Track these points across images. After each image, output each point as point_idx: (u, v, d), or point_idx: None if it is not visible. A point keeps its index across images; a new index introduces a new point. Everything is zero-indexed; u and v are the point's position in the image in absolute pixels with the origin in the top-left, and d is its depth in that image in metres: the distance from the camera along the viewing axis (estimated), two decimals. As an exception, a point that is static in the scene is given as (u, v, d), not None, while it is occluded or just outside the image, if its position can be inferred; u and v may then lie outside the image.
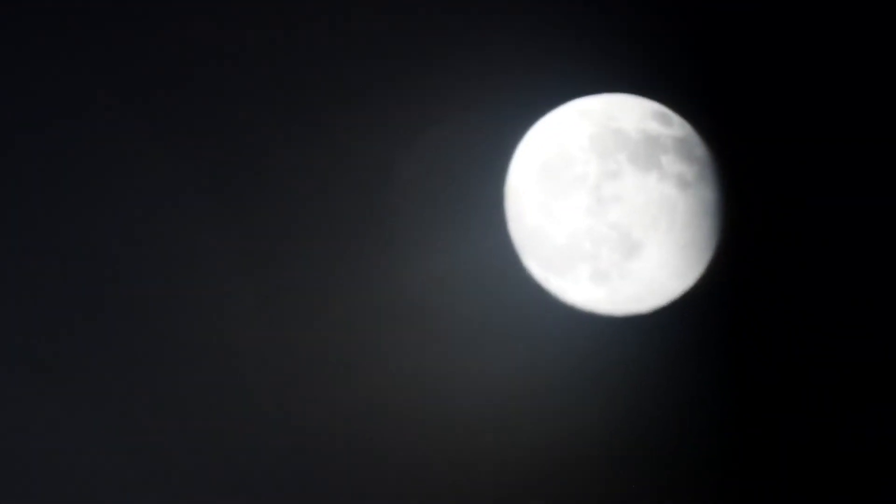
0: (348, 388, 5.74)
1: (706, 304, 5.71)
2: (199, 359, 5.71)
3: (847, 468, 5.83)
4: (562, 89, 5.57)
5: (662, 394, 5.82)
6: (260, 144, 5.74)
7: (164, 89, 5.70)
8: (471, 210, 5.71)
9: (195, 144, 5.73)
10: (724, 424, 5.84)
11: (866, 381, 5.83)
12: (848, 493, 5.82)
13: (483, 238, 5.69)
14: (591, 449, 5.81)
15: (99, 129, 5.71)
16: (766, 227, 5.79)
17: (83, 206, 5.70)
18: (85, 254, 5.69)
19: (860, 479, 5.84)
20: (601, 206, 5.29)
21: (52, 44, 5.70)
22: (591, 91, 5.56)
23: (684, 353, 5.81)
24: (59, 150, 5.69)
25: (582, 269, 5.38)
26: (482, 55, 5.70)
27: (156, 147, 5.72)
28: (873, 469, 5.83)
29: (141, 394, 5.69)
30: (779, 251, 5.81)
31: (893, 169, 5.78)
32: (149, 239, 5.71)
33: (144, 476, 5.69)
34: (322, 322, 5.75)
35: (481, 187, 5.67)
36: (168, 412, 5.70)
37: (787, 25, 5.75)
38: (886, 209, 5.79)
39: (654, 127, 5.44)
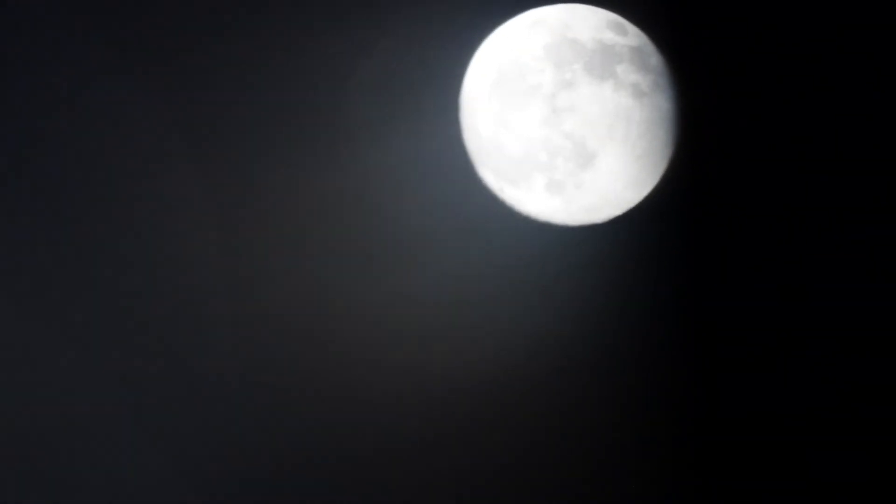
0: (304, 287, 5.76)
1: (661, 214, 5.73)
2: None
3: (794, 382, 5.91)
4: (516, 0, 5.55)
5: (617, 304, 5.86)
6: (217, 50, 5.70)
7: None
8: (425, 120, 5.70)
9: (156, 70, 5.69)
10: (677, 335, 5.89)
11: (814, 294, 5.88)
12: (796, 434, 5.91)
13: (438, 148, 5.68)
14: (545, 360, 5.86)
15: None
16: (720, 136, 5.80)
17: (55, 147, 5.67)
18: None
19: (804, 406, 5.92)
20: (556, 116, 5.28)
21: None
22: (547, 1, 5.54)
23: (639, 263, 5.85)
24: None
25: (537, 179, 5.38)
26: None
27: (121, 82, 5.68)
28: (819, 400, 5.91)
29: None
30: (733, 160, 5.82)
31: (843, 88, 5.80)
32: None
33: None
34: (278, 229, 5.75)
35: (436, 97, 5.64)
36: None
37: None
38: (837, 118, 5.81)
39: (610, 36, 5.42)
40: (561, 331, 5.83)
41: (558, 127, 5.28)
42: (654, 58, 5.49)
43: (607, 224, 5.65)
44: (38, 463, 5.65)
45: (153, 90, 5.69)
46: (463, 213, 5.74)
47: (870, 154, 5.79)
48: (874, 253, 5.83)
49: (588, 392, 5.89)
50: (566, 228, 5.65)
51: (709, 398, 5.89)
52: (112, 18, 5.64)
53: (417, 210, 5.75)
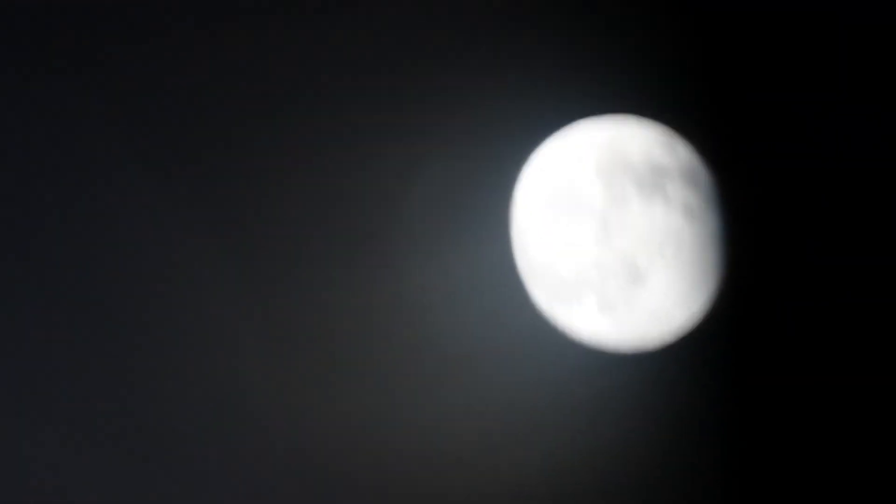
0: (348, 407, 5.69)
1: (712, 334, 5.66)
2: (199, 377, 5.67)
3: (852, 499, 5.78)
4: (565, 115, 5.55)
5: (668, 424, 5.77)
6: (264, 175, 5.73)
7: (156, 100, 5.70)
8: (476, 240, 5.68)
9: (191, 163, 5.71)
10: (730, 458, 5.78)
11: (875, 412, 5.78)
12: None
13: (488, 267, 5.65)
14: (594, 483, 5.75)
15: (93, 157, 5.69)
16: (772, 256, 5.75)
17: (82, 237, 5.67)
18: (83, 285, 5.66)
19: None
20: (607, 234, 5.25)
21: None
22: (596, 116, 5.55)
23: (690, 383, 5.76)
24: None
25: (588, 298, 5.34)
26: (483, 82, 5.70)
27: (143, 164, 5.70)
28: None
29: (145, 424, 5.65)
30: (785, 281, 5.77)
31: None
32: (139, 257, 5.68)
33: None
34: (324, 344, 5.71)
35: (486, 215, 5.64)
36: (172, 439, 5.65)
37: (797, 55, 5.75)
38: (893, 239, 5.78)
39: (660, 154, 5.42)
40: (607, 454, 5.73)
41: (609, 245, 5.26)
42: (704, 176, 5.47)
43: (658, 343, 5.59)
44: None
45: (205, 220, 5.71)
46: (513, 333, 5.69)
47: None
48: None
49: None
50: (617, 348, 5.59)
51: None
52: (150, 129, 5.69)
53: (467, 329, 5.70)
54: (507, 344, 5.70)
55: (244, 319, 5.69)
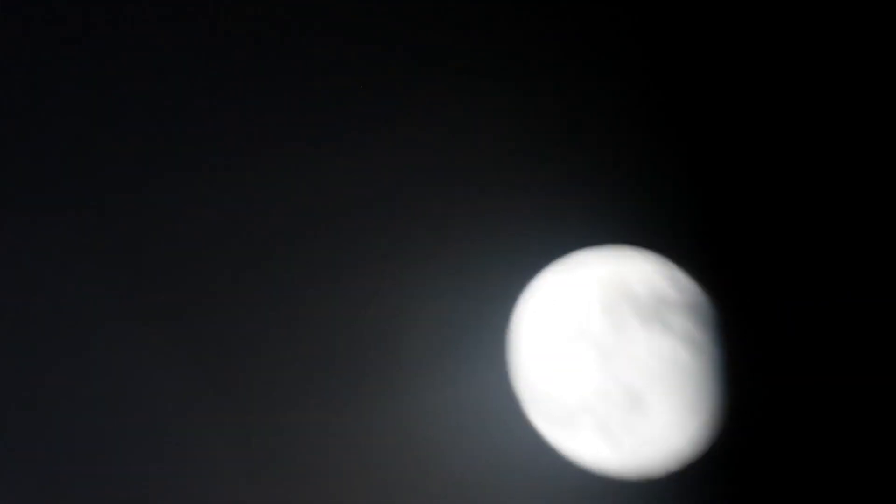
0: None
1: (715, 466, 5.64)
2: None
3: None
4: (566, 244, 5.60)
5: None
6: (261, 312, 5.78)
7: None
8: (476, 368, 5.70)
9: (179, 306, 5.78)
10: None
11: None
12: None
13: (486, 393, 5.66)
14: None
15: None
16: (776, 388, 5.74)
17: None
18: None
19: None
20: (607, 362, 5.28)
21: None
22: (597, 246, 5.60)
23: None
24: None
25: (587, 425, 5.35)
26: (483, 212, 5.76)
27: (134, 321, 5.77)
28: None
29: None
30: (791, 413, 5.75)
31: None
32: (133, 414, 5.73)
33: None
34: (322, 478, 5.71)
35: (484, 341, 5.66)
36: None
37: (802, 185, 5.79)
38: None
39: (661, 284, 5.46)
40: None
41: (609, 374, 5.28)
42: (706, 307, 5.50)
43: (659, 474, 5.56)
44: None
45: (181, 352, 5.76)
46: (512, 458, 5.68)
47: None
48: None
49: None
50: (616, 477, 5.58)
51: None
52: (125, 272, 5.77)
53: (466, 455, 5.70)
54: (508, 471, 5.69)
55: (240, 459, 5.71)
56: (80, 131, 5.75)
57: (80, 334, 5.69)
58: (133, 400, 5.68)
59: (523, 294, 5.61)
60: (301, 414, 5.71)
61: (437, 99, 5.78)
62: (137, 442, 5.66)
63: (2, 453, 5.62)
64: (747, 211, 5.77)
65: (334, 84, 5.80)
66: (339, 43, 5.81)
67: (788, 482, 5.74)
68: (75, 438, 5.65)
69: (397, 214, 5.76)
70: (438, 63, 5.81)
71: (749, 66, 5.79)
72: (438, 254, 5.73)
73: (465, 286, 5.73)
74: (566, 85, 5.76)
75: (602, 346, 5.29)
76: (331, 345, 5.74)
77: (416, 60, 5.82)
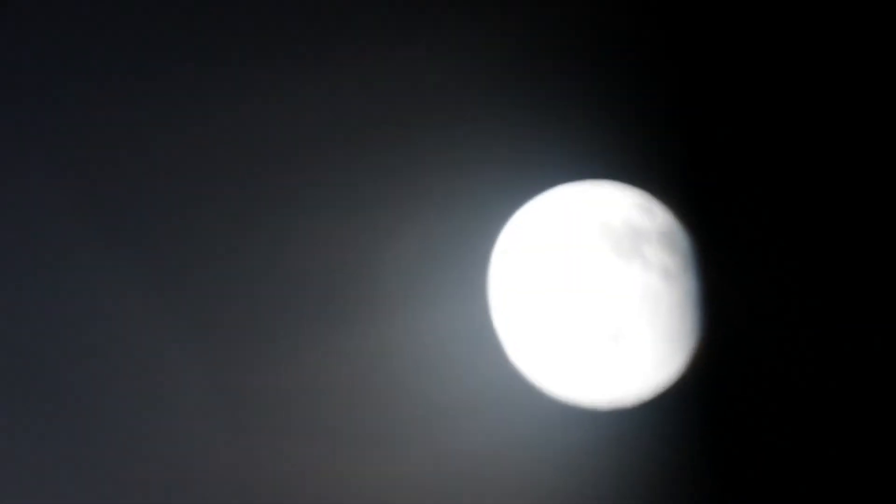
0: (318, 461, 5.69)
1: (689, 396, 5.68)
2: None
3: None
4: (542, 177, 5.59)
5: (643, 486, 5.78)
6: (232, 243, 5.75)
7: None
8: (452, 299, 5.71)
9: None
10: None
11: (857, 473, 5.79)
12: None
13: (464, 327, 5.68)
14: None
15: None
16: (751, 318, 5.78)
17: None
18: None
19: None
20: (584, 296, 5.29)
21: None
22: (573, 180, 5.58)
23: (667, 445, 5.77)
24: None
25: (564, 358, 5.37)
26: (462, 146, 5.74)
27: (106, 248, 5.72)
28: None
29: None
30: (764, 343, 5.79)
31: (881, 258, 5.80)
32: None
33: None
34: (296, 401, 5.72)
35: (463, 275, 5.67)
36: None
37: (777, 121, 5.79)
38: (876, 303, 5.80)
39: (638, 217, 5.45)
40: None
41: (586, 307, 5.29)
42: (682, 239, 5.51)
43: (635, 406, 5.60)
44: None
45: (166, 268, 5.72)
46: (488, 392, 5.70)
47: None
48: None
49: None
50: (592, 410, 5.61)
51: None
52: (112, 217, 5.71)
53: (441, 387, 5.72)
54: (484, 401, 5.72)
55: (216, 385, 5.71)
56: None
57: (52, 260, 5.66)
58: (99, 321, 5.66)
59: (502, 228, 5.60)
60: (276, 339, 5.71)
61: (420, 27, 5.74)
62: (110, 365, 5.65)
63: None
64: (724, 142, 5.77)
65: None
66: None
67: (764, 412, 5.80)
68: (46, 368, 5.63)
69: (378, 140, 5.73)
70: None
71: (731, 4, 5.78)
72: (418, 186, 5.70)
73: (444, 220, 5.71)
74: (548, 20, 5.72)
75: (579, 279, 5.29)
76: (308, 270, 5.73)
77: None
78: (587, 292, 5.27)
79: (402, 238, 5.73)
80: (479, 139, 5.70)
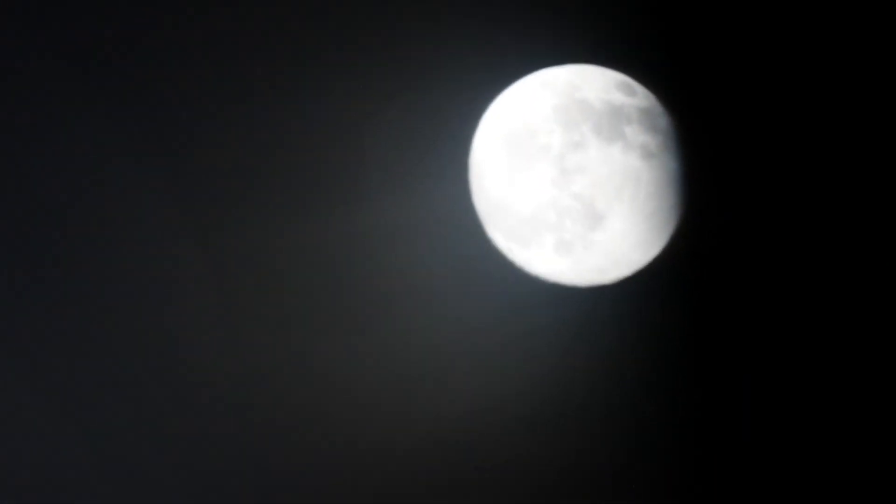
0: (306, 335, 5.74)
1: (670, 276, 5.71)
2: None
3: (812, 441, 5.88)
4: (525, 60, 5.55)
5: (625, 364, 5.84)
6: (221, 115, 5.71)
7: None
8: (434, 180, 5.70)
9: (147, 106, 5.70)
10: (687, 396, 5.86)
11: (832, 351, 5.86)
12: (811, 468, 5.87)
13: (446, 209, 5.68)
14: (553, 419, 5.83)
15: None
16: (730, 197, 5.79)
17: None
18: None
19: (820, 453, 5.88)
20: (565, 177, 5.28)
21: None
22: (555, 62, 5.55)
23: (648, 324, 5.83)
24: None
25: (546, 239, 5.37)
26: (443, 27, 5.68)
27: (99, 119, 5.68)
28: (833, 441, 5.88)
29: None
30: (743, 221, 5.82)
31: (856, 133, 5.81)
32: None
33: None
34: (282, 279, 5.74)
35: (445, 157, 5.66)
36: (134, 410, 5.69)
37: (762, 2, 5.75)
38: (852, 177, 5.81)
39: (618, 97, 5.43)
40: (568, 392, 5.81)
41: (567, 188, 5.28)
42: (662, 118, 5.49)
43: (615, 285, 5.63)
44: None
45: (156, 161, 5.69)
46: (471, 273, 5.73)
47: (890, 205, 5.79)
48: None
49: (589, 454, 5.86)
50: (574, 289, 5.64)
51: (715, 459, 5.86)
52: (108, 88, 5.66)
53: (424, 270, 5.74)
54: (466, 284, 5.75)
55: (203, 261, 5.71)
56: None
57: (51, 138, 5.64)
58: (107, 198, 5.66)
59: (483, 110, 5.57)
60: (262, 224, 5.71)
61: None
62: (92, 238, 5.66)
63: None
64: (704, 22, 5.73)
65: None
66: None
67: (741, 290, 5.85)
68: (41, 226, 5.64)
69: (364, 28, 5.68)
70: None
71: None
72: (400, 69, 5.67)
73: (427, 102, 5.69)
74: None
75: (561, 163, 5.28)
76: (292, 155, 5.71)
77: None
78: (568, 173, 5.27)
79: (385, 119, 5.71)
80: (463, 23, 5.66)
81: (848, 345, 5.85)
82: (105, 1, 5.61)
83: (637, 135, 5.38)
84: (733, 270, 5.84)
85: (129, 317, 5.66)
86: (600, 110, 5.35)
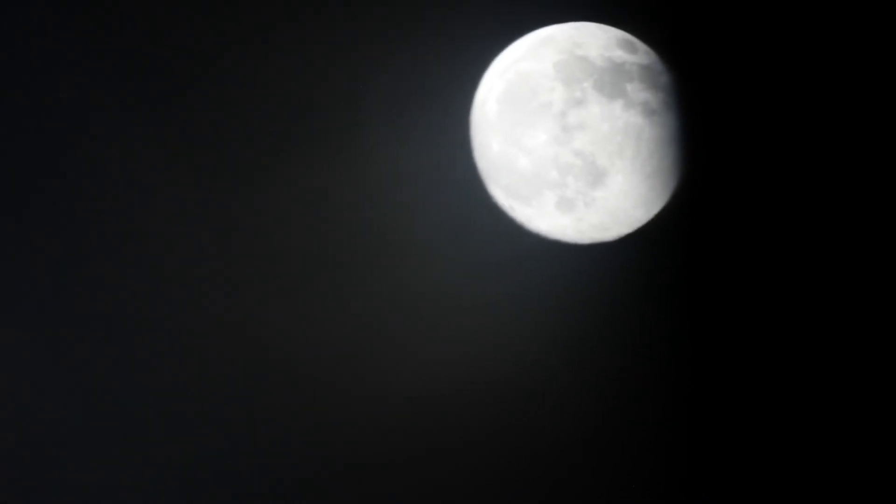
0: (304, 288, 5.76)
1: (671, 233, 5.73)
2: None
3: (801, 401, 5.91)
4: (526, 18, 5.55)
5: (626, 320, 5.86)
6: (227, 64, 5.71)
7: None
8: (436, 137, 5.70)
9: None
10: (686, 352, 5.88)
11: (826, 314, 5.88)
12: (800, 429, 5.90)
13: (448, 165, 5.69)
14: (554, 374, 5.85)
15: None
16: (730, 153, 5.80)
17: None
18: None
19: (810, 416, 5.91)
20: (566, 134, 5.28)
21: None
22: (557, 19, 5.54)
23: (648, 280, 5.84)
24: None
25: (548, 196, 5.38)
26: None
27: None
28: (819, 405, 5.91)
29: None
30: (743, 178, 5.82)
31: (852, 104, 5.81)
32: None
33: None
34: (283, 231, 5.76)
35: (446, 114, 5.65)
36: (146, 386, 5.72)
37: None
38: (852, 136, 5.82)
39: (619, 54, 5.42)
40: (569, 348, 5.83)
41: (568, 145, 5.29)
42: (663, 76, 5.49)
43: (616, 242, 5.65)
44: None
45: (155, 100, 5.69)
46: (472, 229, 5.74)
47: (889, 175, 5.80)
48: (884, 268, 5.84)
49: (590, 406, 5.89)
50: (576, 246, 5.65)
51: (710, 414, 5.89)
52: (107, 25, 5.65)
53: (427, 225, 5.75)
54: (467, 240, 5.76)
55: (208, 220, 5.73)
56: None
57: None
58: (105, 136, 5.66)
59: (485, 68, 5.57)
60: (264, 173, 5.72)
61: None
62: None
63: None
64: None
65: None
66: None
67: (739, 247, 5.86)
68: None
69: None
70: None
71: None
72: (404, 26, 5.66)
73: (430, 58, 5.68)
74: None
75: (563, 120, 5.28)
76: (294, 106, 5.71)
77: None
78: (569, 130, 5.27)
79: (386, 76, 5.71)
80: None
81: (841, 301, 5.88)
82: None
83: (638, 92, 5.37)
84: (734, 228, 5.85)
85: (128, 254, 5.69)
86: (602, 67, 5.35)
